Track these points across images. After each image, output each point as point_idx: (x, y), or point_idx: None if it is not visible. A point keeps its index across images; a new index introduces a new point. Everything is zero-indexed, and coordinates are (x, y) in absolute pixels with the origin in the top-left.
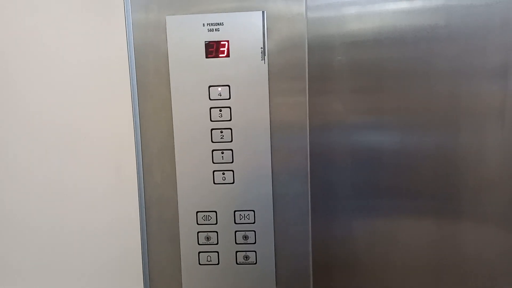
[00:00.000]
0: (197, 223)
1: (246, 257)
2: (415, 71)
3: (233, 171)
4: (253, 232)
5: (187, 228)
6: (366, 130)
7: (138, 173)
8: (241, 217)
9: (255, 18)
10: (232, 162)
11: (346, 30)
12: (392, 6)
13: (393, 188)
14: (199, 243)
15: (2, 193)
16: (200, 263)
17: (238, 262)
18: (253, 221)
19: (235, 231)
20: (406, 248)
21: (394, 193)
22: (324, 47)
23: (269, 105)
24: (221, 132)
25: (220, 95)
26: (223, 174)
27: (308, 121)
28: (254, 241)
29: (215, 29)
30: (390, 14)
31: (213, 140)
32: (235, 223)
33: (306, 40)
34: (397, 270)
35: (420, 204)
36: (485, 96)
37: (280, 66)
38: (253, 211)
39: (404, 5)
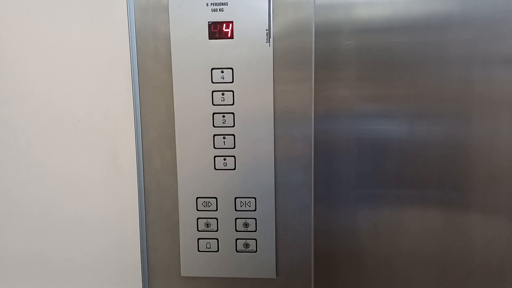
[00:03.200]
0: (197, 209)
1: (246, 245)
2: (427, 57)
3: (234, 157)
4: (254, 219)
5: (187, 214)
6: (374, 118)
7: (137, 158)
8: (242, 204)
9: None
10: (234, 147)
11: (355, 16)
12: None
13: (400, 178)
14: (199, 229)
15: None
16: (200, 250)
17: (238, 250)
18: (254, 209)
19: (236, 218)
20: (412, 239)
21: (401, 183)
22: (332, 32)
23: (273, 90)
24: (223, 116)
25: (223, 78)
26: (224, 160)
27: (313, 107)
28: (254, 229)
29: (219, 9)
30: (402, 0)
31: (215, 125)
32: (235, 210)
33: (313, 25)
34: (401, 262)
35: (427, 195)
36: (499, 83)
37: (286, 51)
38: (254, 198)
39: None
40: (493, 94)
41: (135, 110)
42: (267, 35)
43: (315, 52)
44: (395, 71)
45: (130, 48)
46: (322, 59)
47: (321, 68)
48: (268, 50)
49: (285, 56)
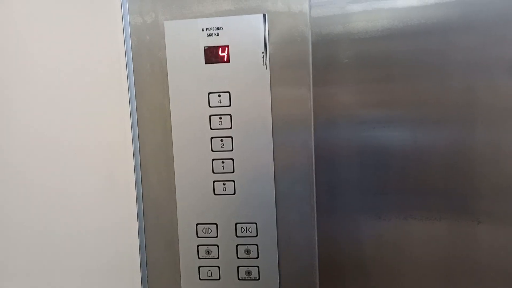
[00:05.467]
0: (197, 236)
1: (249, 273)
2: (428, 63)
3: (234, 181)
4: (256, 246)
5: (187, 241)
6: (375, 126)
7: (136, 182)
8: (242, 230)
9: (256, 22)
10: (233, 172)
11: (353, 27)
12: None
13: (404, 188)
14: (199, 257)
15: None
16: (201, 278)
17: (240, 278)
18: (255, 234)
19: (237, 245)
20: (417, 248)
21: (404, 192)
22: (329, 45)
23: (271, 112)
24: (221, 140)
25: (220, 102)
26: (224, 184)
27: (312, 127)
28: (256, 256)
29: (215, 34)
30: (400, 9)
31: (213, 149)
32: (236, 236)
33: (310, 40)
34: (408, 271)
35: (431, 204)
36: (503, 90)
37: (283, 69)
38: (255, 223)
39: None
40: (498, 101)
41: (133, 133)
42: (263, 57)
43: (312, 68)
44: (396, 76)
45: (127, 71)
46: (320, 75)
47: (319, 84)
48: (265, 72)
49: (283, 74)
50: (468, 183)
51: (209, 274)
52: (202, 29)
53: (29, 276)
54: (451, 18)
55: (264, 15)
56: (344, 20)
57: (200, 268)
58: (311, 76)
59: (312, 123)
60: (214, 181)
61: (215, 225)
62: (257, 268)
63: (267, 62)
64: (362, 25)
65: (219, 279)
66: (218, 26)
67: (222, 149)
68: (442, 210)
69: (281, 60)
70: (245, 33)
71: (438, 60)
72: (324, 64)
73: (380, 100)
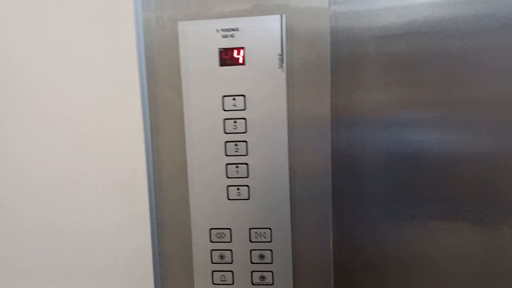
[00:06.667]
0: (211, 241)
1: (262, 278)
2: (461, 63)
3: (248, 186)
4: (270, 251)
5: (200, 246)
6: (400, 128)
7: (149, 189)
8: (256, 235)
9: (273, 23)
10: (247, 177)
11: (377, 24)
12: None
13: (431, 196)
14: (213, 261)
15: (12, 194)
16: (214, 282)
17: (253, 283)
18: (269, 240)
19: (251, 250)
20: (440, 259)
21: (427, 199)
22: (351, 44)
23: (287, 116)
24: (236, 145)
25: (235, 106)
26: (238, 189)
27: (330, 132)
28: (271, 261)
29: (230, 35)
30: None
31: (227, 154)
32: (250, 241)
33: (329, 39)
34: (430, 282)
35: (457, 210)
36: None
37: (300, 71)
38: (270, 229)
39: None
40: None
41: (146, 138)
42: (280, 60)
43: (331, 66)
44: (425, 76)
45: (140, 74)
46: (340, 73)
47: (339, 83)
48: (281, 76)
49: (300, 77)
50: (504, 191)
51: (223, 279)
52: (217, 30)
53: (41, 275)
54: (486, 14)
55: (281, 16)
56: (367, 15)
57: (214, 273)
58: (329, 78)
59: (330, 129)
60: (228, 186)
61: (228, 230)
62: (271, 273)
63: (284, 65)
64: (387, 21)
65: (233, 283)
66: (234, 27)
67: (236, 153)
68: (471, 217)
69: (298, 61)
70: (261, 35)
71: (473, 60)
72: (344, 65)
73: (406, 100)
